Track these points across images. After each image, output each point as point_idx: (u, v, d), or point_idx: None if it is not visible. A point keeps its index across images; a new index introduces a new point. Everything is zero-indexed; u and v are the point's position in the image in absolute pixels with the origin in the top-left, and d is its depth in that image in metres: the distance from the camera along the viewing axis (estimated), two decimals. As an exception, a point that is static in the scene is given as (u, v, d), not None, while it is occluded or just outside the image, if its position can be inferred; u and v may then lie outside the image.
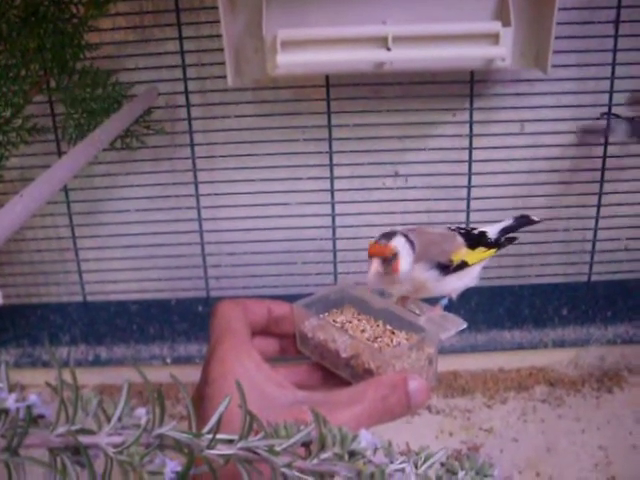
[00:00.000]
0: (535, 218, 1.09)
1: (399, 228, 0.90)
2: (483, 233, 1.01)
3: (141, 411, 0.47)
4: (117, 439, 0.46)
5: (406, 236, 0.87)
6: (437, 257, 0.91)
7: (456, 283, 0.94)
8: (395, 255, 0.84)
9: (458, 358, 1.63)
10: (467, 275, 0.96)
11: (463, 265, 0.94)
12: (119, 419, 0.47)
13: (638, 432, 1.46)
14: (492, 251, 0.99)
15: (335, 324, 0.86)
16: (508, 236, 1.04)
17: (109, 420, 0.46)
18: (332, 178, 1.53)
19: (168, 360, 1.66)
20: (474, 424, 1.50)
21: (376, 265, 0.84)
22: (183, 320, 1.66)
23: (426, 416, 1.52)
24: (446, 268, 0.92)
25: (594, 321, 1.68)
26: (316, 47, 1.25)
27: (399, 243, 0.86)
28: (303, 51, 1.25)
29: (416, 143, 1.54)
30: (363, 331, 0.85)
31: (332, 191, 1.54)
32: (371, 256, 0.84)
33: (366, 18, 1.29)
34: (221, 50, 1.29)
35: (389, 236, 0.86)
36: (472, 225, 1.05)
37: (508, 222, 1.06)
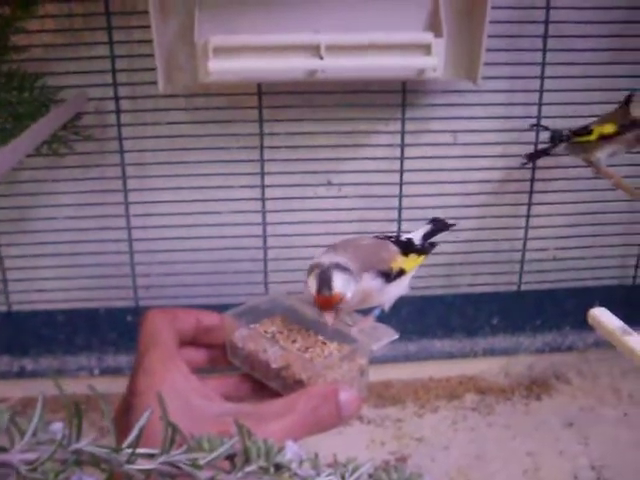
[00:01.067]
0: (449, 222, 1.10)
1: (324, 258, 0.88)
2: (410, 240, 1.01)
3: (57, 425, 0.46)
4: (31, 456, 0.44)
5: (337, 265, 0.85)
6: (379, 266, 0.91)
7: (394, 291, 0.94)
8: (342, 299, 0.83)
9: (389, 367, 1.64)
10: (402, 283, 0.96)
11: (401, 273, 0.95)
12: (34, 434, 0.45)
13: (565, 438, 1.49)
14: (422, 257, 1.00)
15: (266, 334, 0.85)
16: (430, 241, 1.05)
17: (23, 436, 0.44)
18: (263, 187, 1.52)
19: (96, 371, 1.62)
20: (405, 434, 1.51)
21: (330, 318, 0.83)
22: (112, 330, 1.62)
23: (357, 426, 1.51)
24: (388, 276, 0.92)
25: (523, 330, 1.70)
26: (248, 54, 1.24)
27: (340, 284, 0.84)
28: (235, 58, 1.24)
29: (349, 152, 1.54)
30: (294, 341, 0.84)
31: (263, 200, 1.53)
32: (321, 309, 0.83)
33: (299, 26, 1.29)
34: (152, 56, 1.27)
35: (327, 281, 0.83)
36: (394, 233, 1.05)
37: (427, 228, 1.07)
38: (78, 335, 1.62)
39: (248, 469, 0.50)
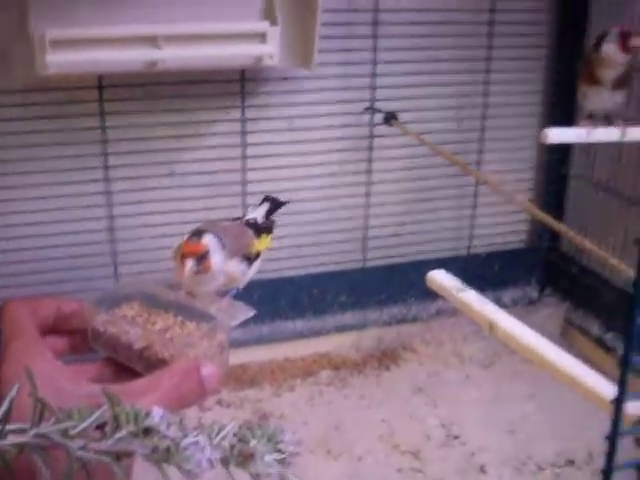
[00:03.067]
0: (282, 200, 1.12)
1: (203, 225, 0.91)
2: (255, 220, 1.04)
3: None
4: None
5: (215, 233, 0.88)
6: (243, 250, 0.93)
7: (252, 272, 0.97)
8: (207, 253, 0.86)
9: (245, 351, 1.67)
10: (258, 264, 0.99)
11: (258, 255, 0.97)
12: None
13: (414, 403, 1.58)
14: (270, 236, 1.03)
15: (126, 318, 0.86)
16: (271, 219, 1.07)
17: None
18: (108, 180, 1.51)
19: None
20: (265, 414, 1.54)
21: (191, 264, 0.84)
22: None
23: (217, 410, 1.54)
24: (250, 260, 0.94)
25: (370, 305, 1.78)
26: (87, 46, 1.24)
27: (210, 241, 0.87)
28: (73, 51, 1.23)
29: (191, 142, 1.56)
30: (154, 323, 0.85)
31: (108, 193, 1.52)
32: (184, 255, 0.85)
33: (138, 18, 1.29)
34: (-17, 50, 1.25)
35: (199, 234, 0.86)
36: (236, 215, 1.07)
37: (265, 206, 1.09)
38: None
39: (118, 435, 0.52)
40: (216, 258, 0.89)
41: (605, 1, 1.65)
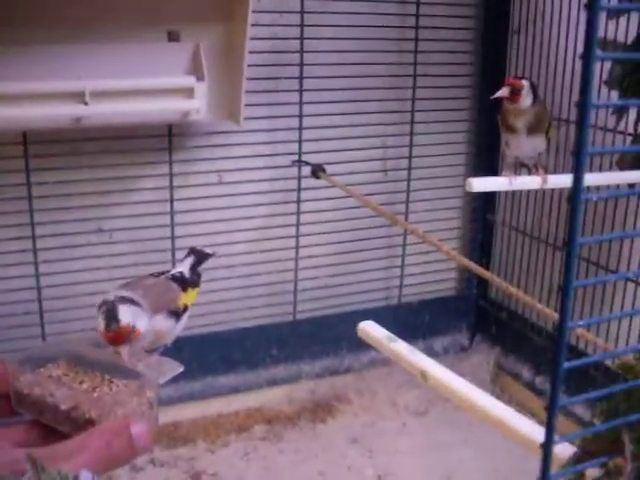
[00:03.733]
0: (208, 251, 1.12)
1: (112, 294, 0.88)
2: (182, 274, 1.03)
3: None
4: None
5: (123, 298, 0.86)
6: (169, 306, 0.92)
7: (180, 328, 0.96)
8: (132, 329, 0.84)
9: (177, 408, 1.64)
10: (185, 319, 0.98)
11: (185, 309, 0.97)
12: None
13: (351, 454, 1.57)
14: (197, 290, 1.02)
15: (52, 378, 0.84)
16: (197, 272, 1.07)
17: None
18: (34, 237, 1.49)
19: None
20: (199, 472, 1.52)
21: (125, 352, 0.83)
22: None
23: (150, 470, 1.50)
24: (177, 315, 0.93)
25: (302, 357, 1.77)
26: (10, 102, 1.22)
27: (127, 315, 0.84)
28: (-3, 106, 1.22)
29: (119, 198, 1.55)
30: (82, 382, 0.83)
31: (35, 251, 1.49)
32: (112, 345, 0.83)
33: (63, 73, 1.29)
34: None
35: (113, 315, 0.84)
36: (162, 269, 1.05)
37: (191, 259, 1.08)
38: None
39: (46, 502, 0.51)
40: (141, 323, 0.87)
41: (521, 53, 1.71)
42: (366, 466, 1.53)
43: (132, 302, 0.87)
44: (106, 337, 0.84)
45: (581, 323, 0.43)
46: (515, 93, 1.33)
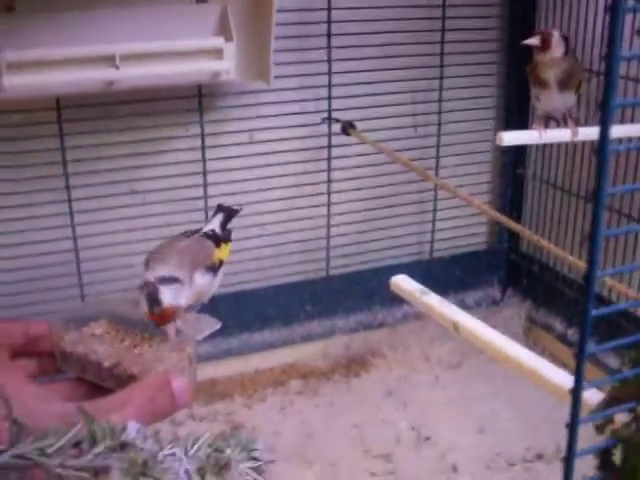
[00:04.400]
0: (236, 207, 1.13)
1: (149, 275, 0.89)
2: (214, 231, 1.05)
3: None
4: None
5: (162, 279, 0.87)
6: (205, 262, 0.95)
7: (218, 281, 0.98)
8: (177, 310, 0.86)
9: (214, 365, 1.67)
10: (221, 273, 1.00)
11: (221, 264, 0.99)
12: None
13: (385, 407, 1.59)
14: (230, 244, 1.04)
15: (94, 336, 0.86)
16: (228, 229, 1.08)
17: None
18: (70, 200, 1.51)
19: None
20: (238, 425, 1.55)
21: (172, 331, 0.85)
22: None
23: (189, 424, 1.54)
24: (214, 270, 0.96)
25: (336, 312, 1.79)
26: (44, 68, 1.24)
27: (168, 296, 0.86)
28: (31, 73, 1.23)
29: (151, 159, 1.57)
30: (122, 340, 0.86)
31: (71, 213, 1.52)
32: (158, 326, 0.85)
33: (93, 38, 1.30)
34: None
35: (155, 297, 0.85)
36: (193, 228, 1.07)
37: (220, 216, 1.09)
38: None
39: (96, 451, 0.53)
40: (182, 299, 0.89)
41: (550, 7, 1.69)
42: (400, 419, 1.55)
43: (172, 280, 0.89)
44: (153, 320, 0.87)
45: (609, 272, 0.44)
46: (546, 42, 1.31)
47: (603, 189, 0.38)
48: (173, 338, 0.86)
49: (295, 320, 1.77)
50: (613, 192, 0.39)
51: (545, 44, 1.31)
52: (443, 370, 1.72)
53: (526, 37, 1.36)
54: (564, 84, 1.33)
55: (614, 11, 0.37)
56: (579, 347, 0.41)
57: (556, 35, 1.32)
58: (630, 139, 1.40)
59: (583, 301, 0.42)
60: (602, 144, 0.38)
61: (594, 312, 0.42)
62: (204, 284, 0.94)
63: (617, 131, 1.30)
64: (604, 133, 0.39)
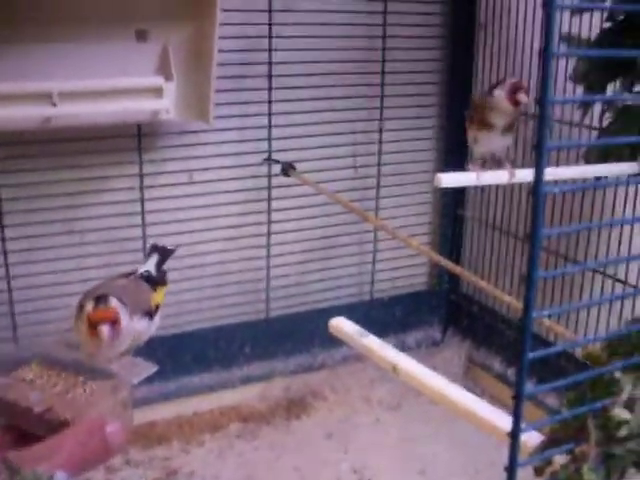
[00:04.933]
0: (171, 246, 1.12)
1: (101, 290, 0.90)
2: (149, 273, 1.04)
3: None
4: None
5: (117, 295, 0.88)
6: (143, 306, 0.93)
7: (155, 327, 0.97)
8: (118, 317, 0.85)
9: (152, 408, 1.64)
10: (158, 318, 0.99)
11: (157, 308, 0.97)
12: None
13: (326, 449, 1.58)
14: (165, 287, 1.03)
15: (25, 381, 0.84)
16: (163, 270, 1.07)
17: None
18: (4, 240, 1.48)
19: None
20: (174, 471, 1.52)
21: (106, 331, 0.84)
22: None
23: (126, 470, 1.50)
24: (150, 315, 0.94)
25: (276, 354, 1.78)
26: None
27: (117, 305, 0.86)
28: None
29: (89, 198, 1.54)
30: (55, 385, 0.84)
31: (5, 253, 1.48)
32: (96, 323, 0.84)
33: (32, 74, 1.28)
34: None
35: (104, 299, 0.86)
36: (129, 270, 1.05)
37: (155, 257, 1.08)
38: None
39: (21, 502, 0.51)
40: (125, 321, 0.88)
41: (487, 54, 1.73)
42: (341, 461, 1.54)
43: (120, 299, 0.88)
44: (93, 316, 0.85)
45: (545, 313, 0.45)
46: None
47: (539, 231, 0.38)
48: (105, 340, 0.85)
49: (234, 362, 1.75)
50: (547, 234, 0.39)
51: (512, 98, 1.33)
52: (384, 411, 1.71)
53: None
54: (508, 127, 1.36)
55: (545, 57, 0.38)
56: (516, 391, 0.41)
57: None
58: (566, 181, 1.43)
59: (519, 344, 0.42)
60: (536, 186, 0.39)
61: (531, 355, 0.42)
62: (141, 329, 0.93)
63: (552, 173, 1.33)
64: (538, 175, 0.39)
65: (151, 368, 0.89)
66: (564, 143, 1.42)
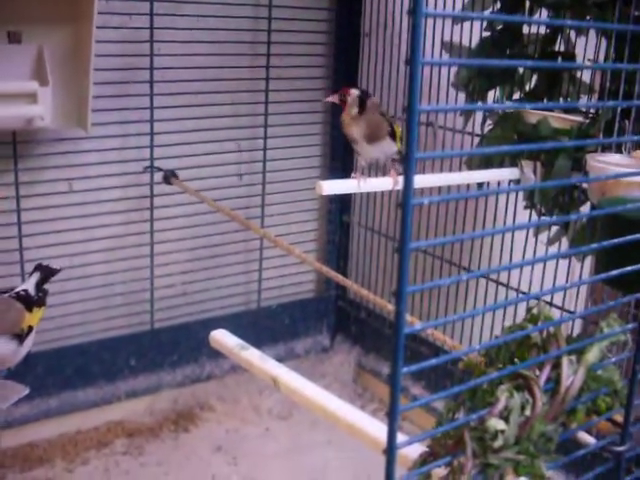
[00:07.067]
0: (56, 266, 1.09)
1: None
2: (27, 292, 1.00)
3: None
4: None
5: None
6: (11, 329, 0.89)
7: (26, 350, 0.92)
8: None
9: (32, 428, 1.57)
10: (30, 340, 0.94)
11: (30, 330, 0.93)
12: None
13: (216, 462, 1.55)
14: (43, 308, 0.99)
15: None
16: (43, 289, 1.04)
17: None
18: None
19: None
20: (56, 492, 1.46)
21: None
22: None
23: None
24: (20, 338, 0.90)
25: (162, 366, 1.73)
26: None
27: None
28: None
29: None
30: None
31: None
32: None
33: None
34: None
35: None
36: (4, 287, 1.01)
37: (36, 276, 1.05)
38: None
39: None
40: None
41: (372, 66, 1.75)
42: (231, 473, 1.52)
43: None
44: None
45: (418, 327, 0.44)
46: (344, 101, 1.32)
47: (407, 244, 0.37)
48: None
49: (119, 376, 1.70)
50: (417, 247, 0.38)
51: (343, 104, 1.32)
52: (273, 421, 1.70)
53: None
54: (371, 137, 1.34)
55: (412, 65, 0.37)
56: (389, 408, 0.40)
57: (353, 95, 1.32)
58: (449, 188, 1.45)
59: (392, 358, 0.41)
60: (405, 197, 0.38)
61: (404, 369, 0.41)
62: (7, 353, 0.89)
63: (432, 180, 1.34)
64: (407, 186, 0.38)
65: (22, 391, 0.85)
66: (437, 153, 1.44)
